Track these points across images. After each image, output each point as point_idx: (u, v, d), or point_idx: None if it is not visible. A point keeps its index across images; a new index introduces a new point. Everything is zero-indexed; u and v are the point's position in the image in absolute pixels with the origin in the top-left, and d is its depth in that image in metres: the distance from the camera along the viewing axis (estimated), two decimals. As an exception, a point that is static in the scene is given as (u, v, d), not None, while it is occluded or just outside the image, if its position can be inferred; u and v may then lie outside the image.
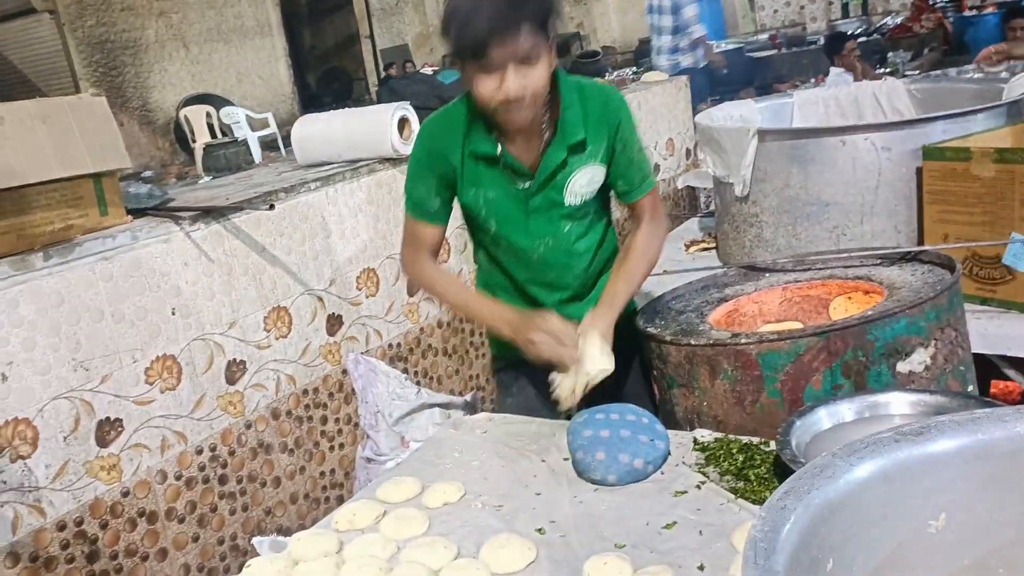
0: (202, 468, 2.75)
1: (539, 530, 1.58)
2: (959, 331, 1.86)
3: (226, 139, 5.15)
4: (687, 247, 3.43)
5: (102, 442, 2.48)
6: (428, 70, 10.04)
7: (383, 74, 10.47)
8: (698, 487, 1.64)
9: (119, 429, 2.51)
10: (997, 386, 2.83)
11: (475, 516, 1.67)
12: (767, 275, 2.33)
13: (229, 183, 3.57)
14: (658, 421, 1.77)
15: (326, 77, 11.02)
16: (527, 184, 1.96)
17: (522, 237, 2.02)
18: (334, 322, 3.20)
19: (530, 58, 1.75)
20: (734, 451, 1.71)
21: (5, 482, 2.26)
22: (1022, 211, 2.18)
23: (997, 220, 2.24)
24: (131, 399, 2.54)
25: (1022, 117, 2.58)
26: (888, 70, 7.37)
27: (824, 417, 1.56)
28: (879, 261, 2.18)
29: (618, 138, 1.95)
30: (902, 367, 1.78)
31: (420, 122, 3.48)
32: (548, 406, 1.95)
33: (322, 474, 3.17)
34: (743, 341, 1.81)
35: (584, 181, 1.97)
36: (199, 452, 2.74)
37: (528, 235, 2.02)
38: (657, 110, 5.29)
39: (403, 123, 3.45)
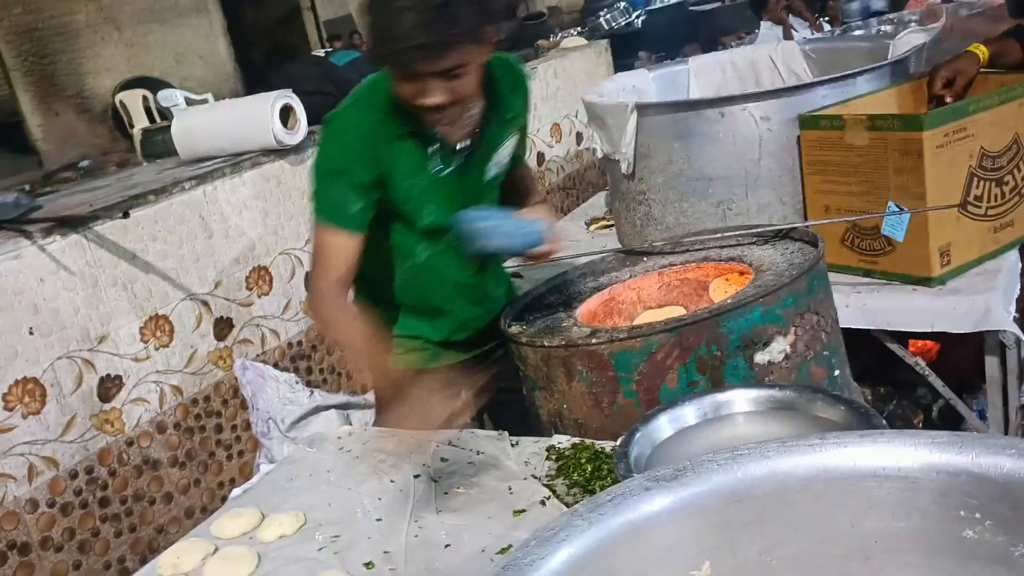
0: (78, 492, 2.61)
1: (367, 564, 1.47)
2: (822, 314, 1.77)
3: (164, 123, 4.92)
4: (588, 225, 3.31)
5: (-43, 477, 2.33)
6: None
7: (327, 47, 10.16)
8: (542, 503, 1.54)
9: (-28, 463, 2.37)
10: (915, 344, 2.75)
11: (307, 551, 1.55)
12: (645, 259, 2.22)
13: (107, 184, 3.39)
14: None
15: (270, 53, 10.68)
16: (458, 163, 1.82)
17: (446, 221, 1.82)
18: (223, 326, 3.06)
19: (457, 72, 1.61)
20: (583, 460, 1.61)
21: None
22: (897, 179, 2.08)
23: (874, 189, 2.14)
24: (-13, 428, 2.40)
25: (907, 77, 2.48)
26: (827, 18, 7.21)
27: (665, 424, 1.45)
28: (754, 240, 2.07)
29: (526, 110, 1.96)
30: (760, 358, 1.69)
31: (306, 109, 3.36)
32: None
33: (221, 484, 3.04)
34: (594, 341, 1.70)
35: (507, 152, 1.93)
36: (73, 476, 2.60)
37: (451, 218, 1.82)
38: (576, 77, 5.15)
39: (287, 111, 3.29)
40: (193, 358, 2.96)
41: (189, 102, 5.24)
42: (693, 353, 1.66)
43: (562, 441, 1.72)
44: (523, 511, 1.52)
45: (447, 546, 1.48)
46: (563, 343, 1.76)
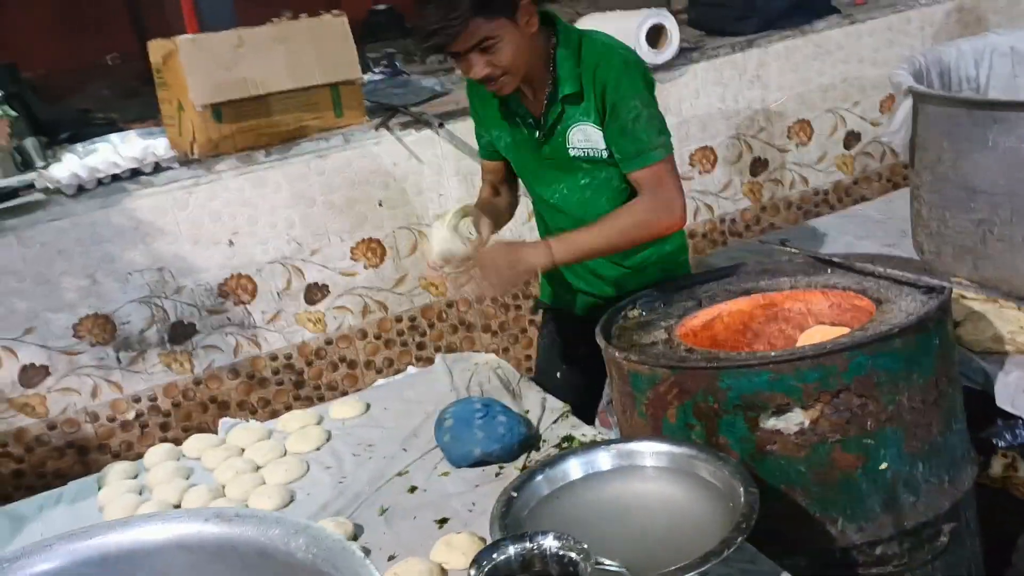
0: (400, 333, 3.32)
1: (363, 477, 1.83)
2: (876, 399, 1.53)
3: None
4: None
5: (310, 300, 3.17)
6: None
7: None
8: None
9: (325, 292, 3.18)
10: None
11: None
12: (827, 271, 2.03)
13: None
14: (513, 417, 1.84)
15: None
16: (537, 133, 2.01)
17: (537, 182, 2.11)
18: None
19: (487, 44, 1.78)
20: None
21: (230, 319, 3.08)
22: None
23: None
24: (337, 270, 3.18)
25: None
26: None
27: (575, 466, 1.51)
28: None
29: (607, 102, 1.88)
30: (768, 423, 1.56)
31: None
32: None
33: (527, 357, 3.54)
34: (617, 354, 1.73)
35: (581, 136, 1.96)
36: (398, 320, 3.30)
37: (542, 181, 2.08)
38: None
39: (657, 30, 3.38)
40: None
41: None
42: (691, 397, 1.61)
43: (585, 434, 1.83)
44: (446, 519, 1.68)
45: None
46: (617, 343, 1.81)
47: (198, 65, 2.88)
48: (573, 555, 1.16)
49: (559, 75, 1.90)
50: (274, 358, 3.15)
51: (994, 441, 2.66)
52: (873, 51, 3.73)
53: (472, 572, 1.17)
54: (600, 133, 1.92)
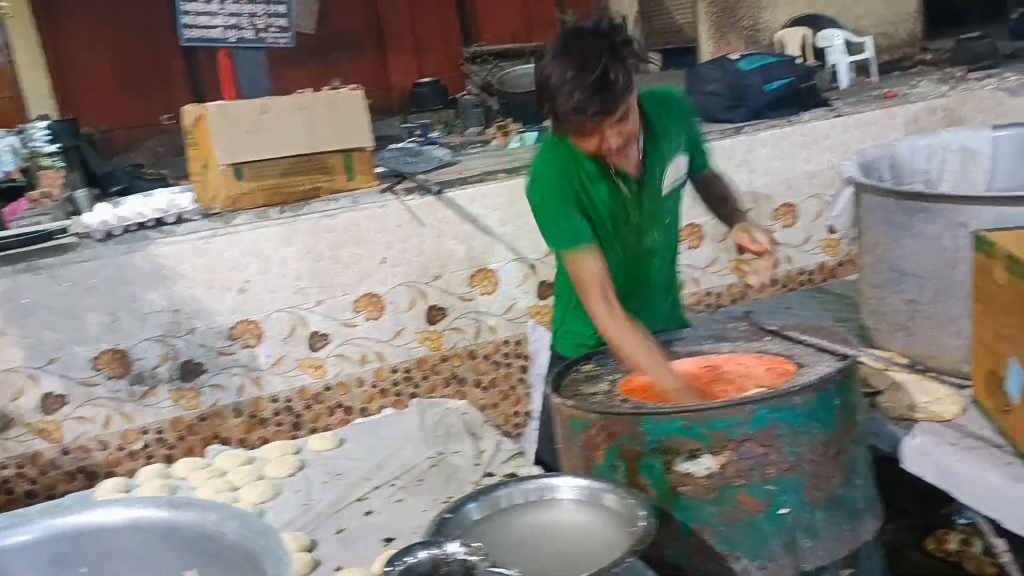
0: (395, 384, 3.54)
1: (328, 500, 2.03)
2: (777, 449, 1.71)
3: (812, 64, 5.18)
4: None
5: (313, 347, 3.41)
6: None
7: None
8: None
9: (326, 341, 3.41)
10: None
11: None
12: (765, 338, 2.22)
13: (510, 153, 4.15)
14: None
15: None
16: (634, 188, 2.13)
17: (633, 233, 2.18)
18: (544, 288, 3.65)
19: (625, 118, 1.94)
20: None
21: (236, 361, 3.32)
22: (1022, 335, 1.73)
23: (1006, 338, 1.79)
24: (339, 321, 3.42)
25: None
26: None
27: (504, 497, 1.70)
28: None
29: (692, 130, 2.20)
30: (682, 466, 1.74)
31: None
32: None
33: (515, 413, 3.73)
34: (558, 399, 1.93)
35: (674, 172, 2.17)
36: (394, 371, 3.52)
37: (638, 232, 2.18)
38: None
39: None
40: (512, 308, 3.64)
41: (849, 43, 5.18)
42: (616, 440, 1.80)
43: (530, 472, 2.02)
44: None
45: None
46: (564, 392, 2.01)
47: (224, 129, 3.19)
48: (473, 558, 1.35)
49: (657, 134, 2.10)
50: (275, 399, 3.37)
51: (953, 518, 2.81)
52: (859, 142, 3.95)
53: (387, 570, 1.36)
54: (686, 159, 2.18)
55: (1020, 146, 2.68)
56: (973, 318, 2.00)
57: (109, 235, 3.07)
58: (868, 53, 5.20)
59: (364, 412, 3.49)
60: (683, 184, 2.22)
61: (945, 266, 2.15)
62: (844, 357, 1.91)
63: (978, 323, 1.97)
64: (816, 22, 6.93)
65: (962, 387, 2.11)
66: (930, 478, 1.96)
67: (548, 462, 2.18)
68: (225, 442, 3.29)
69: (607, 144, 1.93)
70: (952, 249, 2.10)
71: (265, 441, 3.34)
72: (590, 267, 2.03)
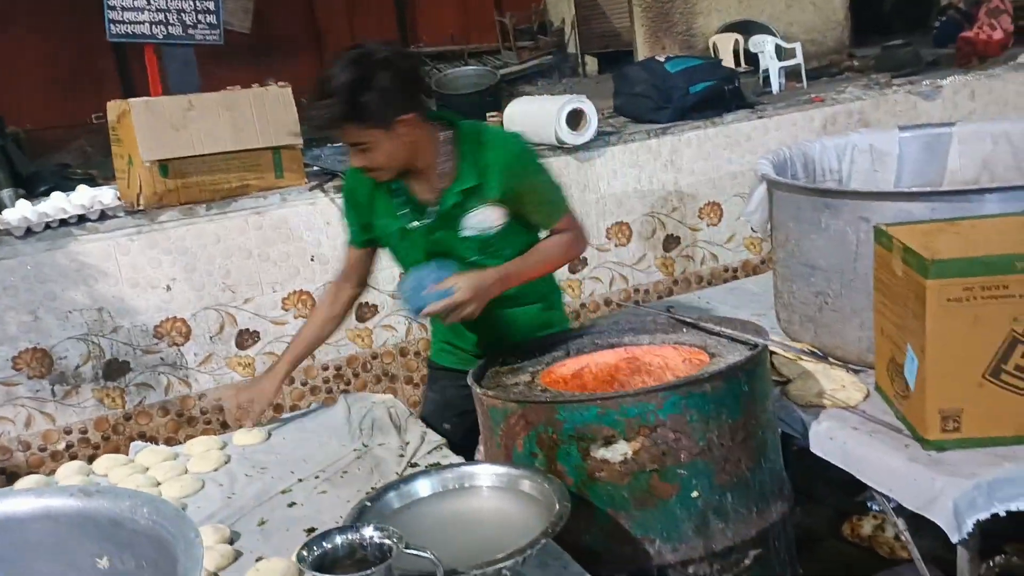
0: (326, 381, 3.54)
1: (251, 494, 2.04)
2: (685, 434, 1.77)
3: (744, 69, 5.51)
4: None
5: (241, 345, 3.39)
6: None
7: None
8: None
9: (256, 338, 3.40)
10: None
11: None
12: (681, 330, 2.29)
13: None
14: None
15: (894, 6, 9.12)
16: (429, 220, 2.19)
17: (420, 255, 2.22)
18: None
19: (361, 146, 2.02)
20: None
21: (163, 359, 3.29)
22: (913, 323, 1.82)
23: (903, 326, 1.89)
24: (268, 319, 3.41)
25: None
26: None
27: (424, 485, 1.74)
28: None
29: (523, 184, 2.14)
30: (597, 453, 1.80)
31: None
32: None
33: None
34: (480, 389, 1.97)
35: (480, 218, 2.17)
36: (324, 368, 3.53)
37: (430, 256, 2.21)
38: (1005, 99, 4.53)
39: (577, 114, 3.70)
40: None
41: (779, 49, 5.27)
42: (534, 429, 1.85)
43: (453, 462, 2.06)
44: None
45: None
46: (486, 384, 2.05)
47: (148, 125, 3.16)
48: (388, 542, 1.38)
49: (462, 171, 2.12)
50: (203, 398, 3.35)
51: (868, 504, 2.92)
52: (779, 143, 4.07)
53: (304, 553, 1.39)
54: (497, 211, 2.16)
55: (925, 146, 2.81)
56: (875, 308, 2.10)
57: (29, 232, 3.02)
58: (798, 59, 5.35)
59: (294, 410, 3.48)
60: (497, 233, 2.17)
61: (850, 260, 2.25)
62: (755, 347, 1.99)
63: (879, 313, 2.07)
64: (748, 28, 7.11)
65: (867, 375, 2.21)
66: (837, 461, 2.05)
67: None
68: (152, 441, 3.24)
69: (351, 160, 2.06)
70: (856, 243, 2.20)
71: (193, 440, 3.32)
72: (347, 261, 2.36)
